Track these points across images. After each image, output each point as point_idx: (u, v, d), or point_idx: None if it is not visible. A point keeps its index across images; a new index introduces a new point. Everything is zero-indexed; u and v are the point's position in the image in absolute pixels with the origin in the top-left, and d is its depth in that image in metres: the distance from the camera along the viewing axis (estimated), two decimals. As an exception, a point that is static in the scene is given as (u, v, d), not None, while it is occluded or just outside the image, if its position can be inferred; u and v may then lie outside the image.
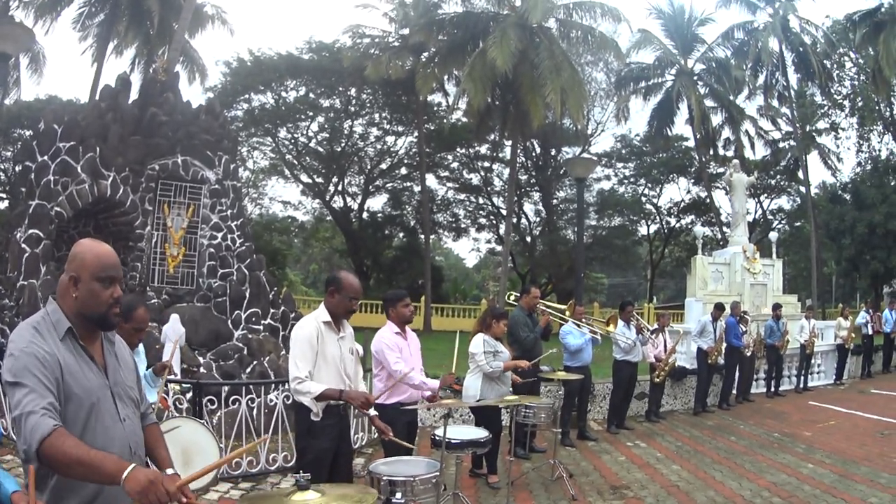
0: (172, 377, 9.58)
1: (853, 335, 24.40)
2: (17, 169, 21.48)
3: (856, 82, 51.55)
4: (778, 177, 56.81)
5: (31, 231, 15.25)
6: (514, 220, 53.96)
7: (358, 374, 7.56)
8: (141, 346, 7.59)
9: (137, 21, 41.11)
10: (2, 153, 51.33)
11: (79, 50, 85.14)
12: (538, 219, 60.60)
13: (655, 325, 17.46)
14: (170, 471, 3.99)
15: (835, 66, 50.46)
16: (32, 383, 3.40)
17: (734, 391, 20.02)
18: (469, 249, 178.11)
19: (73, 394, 3.55)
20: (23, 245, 15.15)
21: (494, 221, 61.19)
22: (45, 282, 15.05)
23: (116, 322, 3.87)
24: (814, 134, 52.34)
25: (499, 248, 58.46)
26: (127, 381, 3.98)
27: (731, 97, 50.19)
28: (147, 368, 7.84)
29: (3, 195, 51.71)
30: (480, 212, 61.99)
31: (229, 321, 17.28)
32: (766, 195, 58.38)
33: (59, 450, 3.28)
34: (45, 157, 15.92)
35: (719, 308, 19.11)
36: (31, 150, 16.44)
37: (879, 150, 52.71)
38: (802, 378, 22.84)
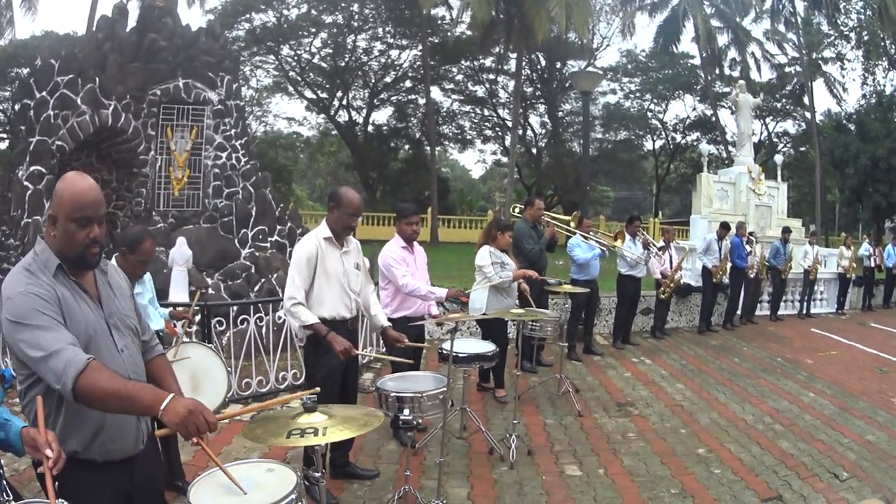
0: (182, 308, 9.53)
1: (854, 266, 24.53)
2: (15, 108, 21.29)
3: (862, 16, 51.03)
4: (783, 101, 56.58)
5: (32, 168, 15.17)
6: (520, 132, 53.96)
7: (367, 288, 7.61)
8: (147, 274, 7.61)
9: (132, -52, 40.64)
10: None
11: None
12: (544, 131, 60.68)
13: (661, 243, 17.44)
14: None
15: (841, -2, 49.90)
16: (46, 322, 3.40)
17: (738, 312, 20.13)
18: (475, 161, 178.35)
19: (70, 329, 3.52)
20: (25, 182, 15.10)
21: (500, 133, 61.16)
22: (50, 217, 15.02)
23: (95, 262, 3.81)
24: (819, 62, 52.04)
25: (504, 159, 58.55)
26: (123, 311, 3.95)
27: (738, 19, 50.12)
28: (155, 298, 7.87)
29: (3, 135, 51.85)
30: (486, 124, 62.05)
31: (236, 240, 17.28)
32: (771, 118, 58.20)
33: (95, 384, 3.30)
34: (44, 93, 15.75)
35: (725, 227, 19.08)
36: (28, 87, 16.28)
37: (884, 86, 52.60)
38: (805, 304, 23.05)
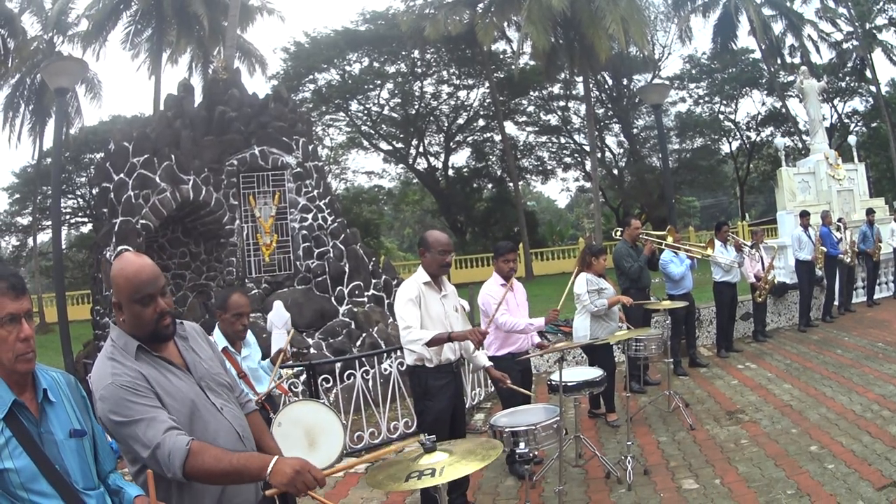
0: (287, 362, 9.61)
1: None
2: (94, 192, 21.71)
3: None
4: (847, 79, 55.27)
5: (120, 248, 15.33)
6: (599, 155, 53.80)
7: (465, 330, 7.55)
8: (251, 337, 7.68)
9: (187, 27, 41.65)
10: (76, 180, 52.53)
11: (133, 67, 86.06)
12: (622, 150, 60.40)
13: (751, 242, 17.26)
14: None
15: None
16: (140, 412, 3.45)
17: (836, 302, 19.82)
18: (559, 190, 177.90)
19: (166, 405, 3.58)
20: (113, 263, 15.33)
21: (579, 159, 60.94)
22: (141, 294, 15.26)
23: (171, 332, 3.82)
24: (874, 31, 51.05)
25: (588, 184, 58.24)
26: (212, 371, 4.00)
27: (788, 3, 49.60)
28: (263, 359, 7.93)
29: (86, 219, 53.02)
30: (564, 151, 61.91)
31: (332, 298, 17.40)
32: (838, 98, 56.83)
33: (202, 468, 3.37)
34: (122, 175, 16.09)
35: (804, 215, 18.85)
36: (105, 171, 16.64)
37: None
38: (899, 283, 22.44)
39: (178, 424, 3.54)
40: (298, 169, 17.89)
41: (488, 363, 7.75)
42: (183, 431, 3.46)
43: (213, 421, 3.74)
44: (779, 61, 51.95)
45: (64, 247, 34.24)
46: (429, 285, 7.19)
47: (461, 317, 7.57)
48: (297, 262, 17.72)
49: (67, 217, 53.92)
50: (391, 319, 16.98)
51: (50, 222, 28.67)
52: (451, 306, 7.36)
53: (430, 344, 6.88)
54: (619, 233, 14.50)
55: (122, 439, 3.51)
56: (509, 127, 56.47)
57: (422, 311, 7.06)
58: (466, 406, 10.70)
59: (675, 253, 14.18)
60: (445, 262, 7.21)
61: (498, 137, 54.95)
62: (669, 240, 14.27)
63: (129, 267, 3.78)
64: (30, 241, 52.29)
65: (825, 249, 18.71)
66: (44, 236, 50.03)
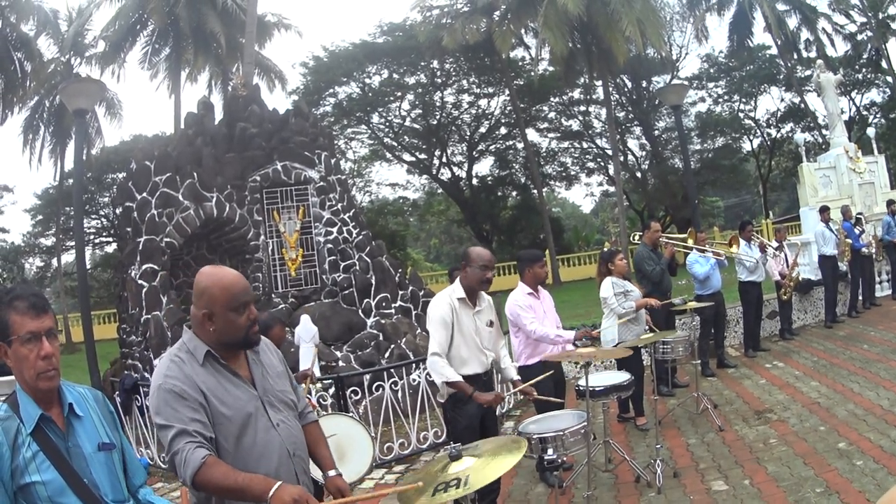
0: (313, 385, 9.69)
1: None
2: (117, 212, 21.82)
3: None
4: (863, 70, 54.87)
5: (145, 266, 15.64)
6: (621, 159, 53.57)
7: (498, 344, 7.60)
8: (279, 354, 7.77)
9: (204, 45, 41.75)
10: (98, 200, 52.81)
11: (152, 86, 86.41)
12: (644, 153, 60.06)
13: (775, 243, 17.21)
14: (332, 472, 4.19)
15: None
16: (174, 419, 3.60)
17: (860, 297, 19.69)
18: (583, 195, 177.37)
19: (220, 413, 3.72)
20: (140, 281, 15.56)
21: (602, 163, 60.80)
22: (169, 311, 15.48)
23: (257, 339, 4.00)
24: (888, 21, 50.66)
25: (612, 188, 58.25)
26: (277, 387, 4.11)
27: (801, -4, 49.39)
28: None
29: (110, 238, 53.39)
30: (587, 156, 61.80)
31: (360, 311, 17.44)
32: (856, 91, 56.24)
33: (210, 481, 3.51)
34: (145, 194, 16.25)
35: (824, 210, 18.77)
36: (127, 190, 16.79)
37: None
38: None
39: (225, 435, 3.73)
40: (322, 183, 17.95)
41: (517, 377, 7.77)
42: (206, 446, 3.58)
43: (265, 435, 3.86)
44: (795, 56, 51.69)
45: (88, 266, 34.53)
46: (462, 301, 7.16)
47: (494, 331, 7.52)
48: (324, 276, 17.79)
49: (91, 237, 54.45)
50: (419, 330, 17.04)
51: (74, 242, 28.90)
52: (483, 322, 7.32)
53: (450, 384, 6.92)
54: (638, 237, 14.51)
55: (161, 438, 3.71)
56: (531, 134, 56.59)
57: (453, 329, 7.04)
58: (496, 413, 10.73)
59: (701, 251, 14.20)
60: (486, 277, 7.18)
61: (520, 145, 54.95)
62: (690, 242, 14.26)
63: (225, 277, 3.95)
64: (54, 261, 53.13)
65: (850, 242, 18.60)
66: (68, 257, 50.52)
